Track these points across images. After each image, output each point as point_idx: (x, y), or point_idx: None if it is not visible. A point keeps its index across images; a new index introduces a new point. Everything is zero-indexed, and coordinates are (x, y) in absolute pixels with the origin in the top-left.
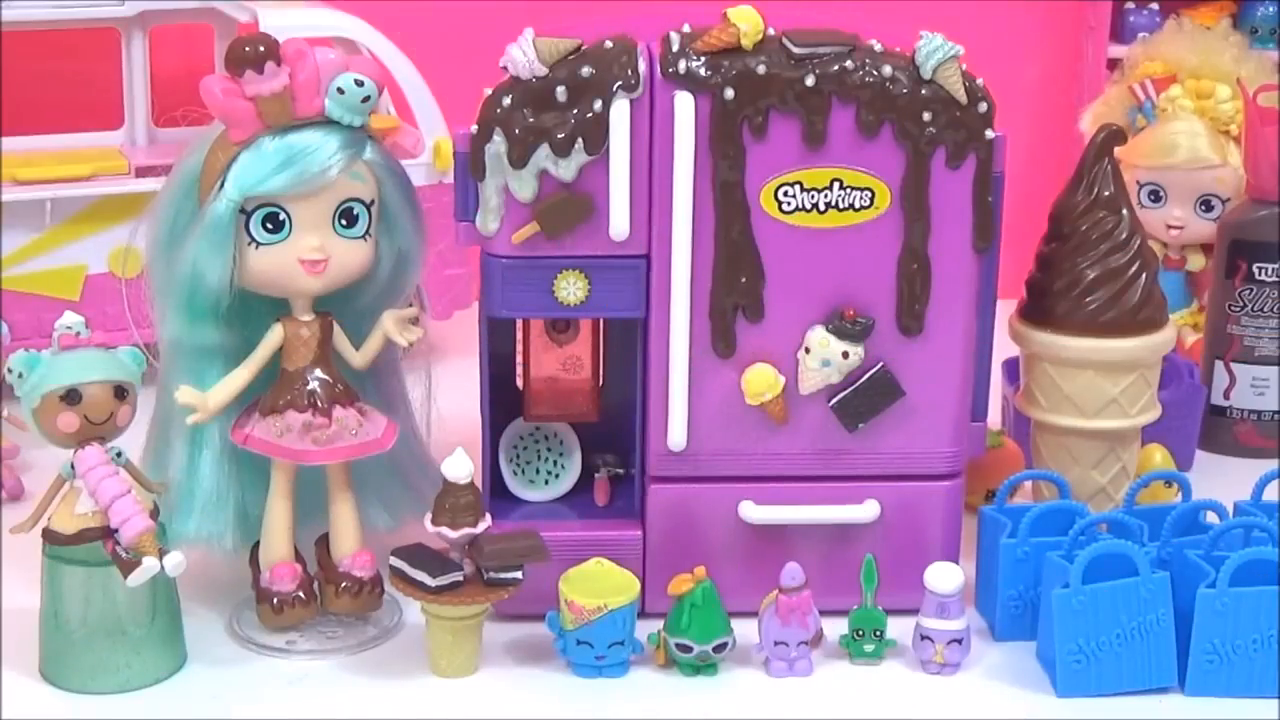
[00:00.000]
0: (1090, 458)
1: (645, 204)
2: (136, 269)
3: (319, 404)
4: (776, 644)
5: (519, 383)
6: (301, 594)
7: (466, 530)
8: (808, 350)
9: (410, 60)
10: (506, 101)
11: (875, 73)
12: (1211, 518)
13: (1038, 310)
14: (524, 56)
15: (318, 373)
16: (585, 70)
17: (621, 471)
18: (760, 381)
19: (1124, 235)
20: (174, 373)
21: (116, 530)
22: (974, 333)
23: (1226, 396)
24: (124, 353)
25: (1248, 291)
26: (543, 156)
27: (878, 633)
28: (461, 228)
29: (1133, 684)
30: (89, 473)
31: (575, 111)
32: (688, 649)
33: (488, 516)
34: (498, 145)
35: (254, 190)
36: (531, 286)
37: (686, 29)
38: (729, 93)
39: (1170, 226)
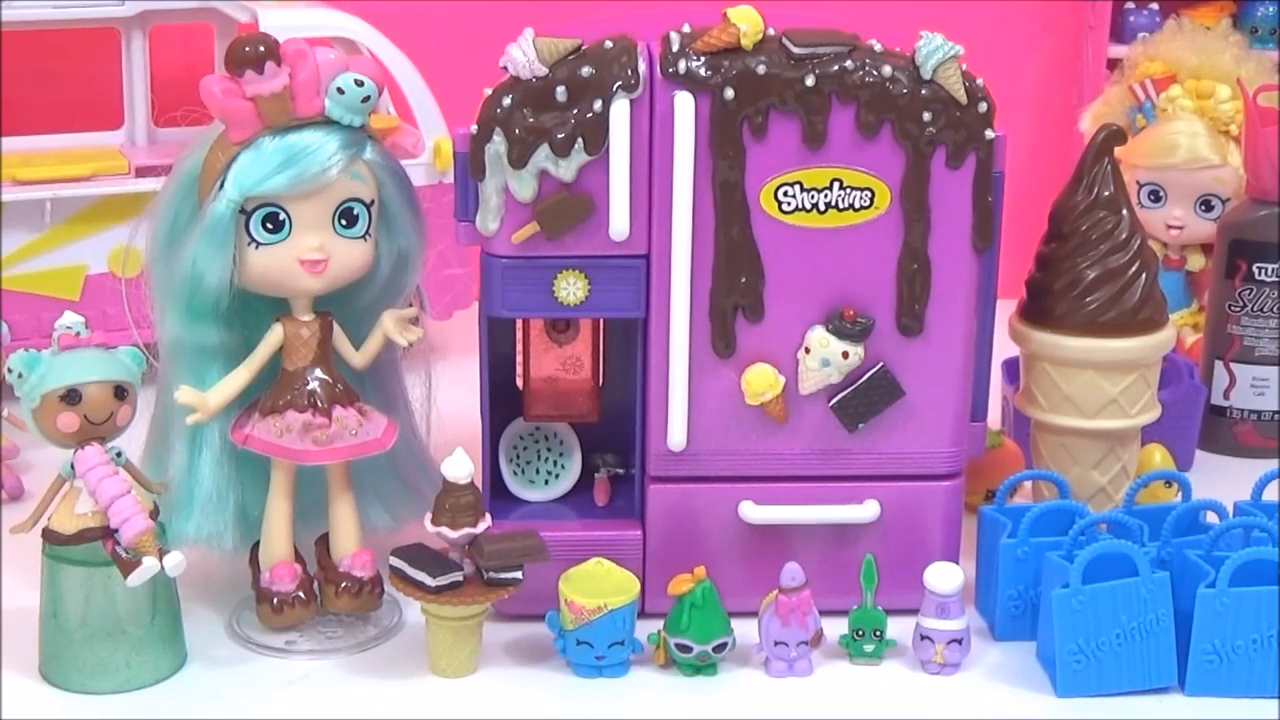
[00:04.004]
0: (1090, 458)
1: (645, 204)
2: (136, 269)
3: (319, 404)
4: (776, 644)
5: (519, 383)
6: (301, 594)
7: (466, 530)
8: (808, 350)
9: (410, 60)
10: (506, 101)
11: (875, 73)
12: (1211, 518)
13: (1038, 310)
14: (524, 56)
15: (318, 373)
16: (585, 70)
17: (621, 471)
18: (760, 381)
19: (1124, 235)
20: (174, 373)
21: (116, 530)
22: (974, 333)
23: (1226, 396)
24: (124, 353)
25: (1248, 291)
26: (543, 156)
27: (878, 633)
28: (461, 228)
29: (1133, 684)
30: (89, 473)
31: (575, 111)
32: (688, 649)
33: (488, 516)
34: (498, 145)
35: (254, 190)
36: (531, 286)
37: (686, 29)
38: (729, 93)
39: (1170, 226)
